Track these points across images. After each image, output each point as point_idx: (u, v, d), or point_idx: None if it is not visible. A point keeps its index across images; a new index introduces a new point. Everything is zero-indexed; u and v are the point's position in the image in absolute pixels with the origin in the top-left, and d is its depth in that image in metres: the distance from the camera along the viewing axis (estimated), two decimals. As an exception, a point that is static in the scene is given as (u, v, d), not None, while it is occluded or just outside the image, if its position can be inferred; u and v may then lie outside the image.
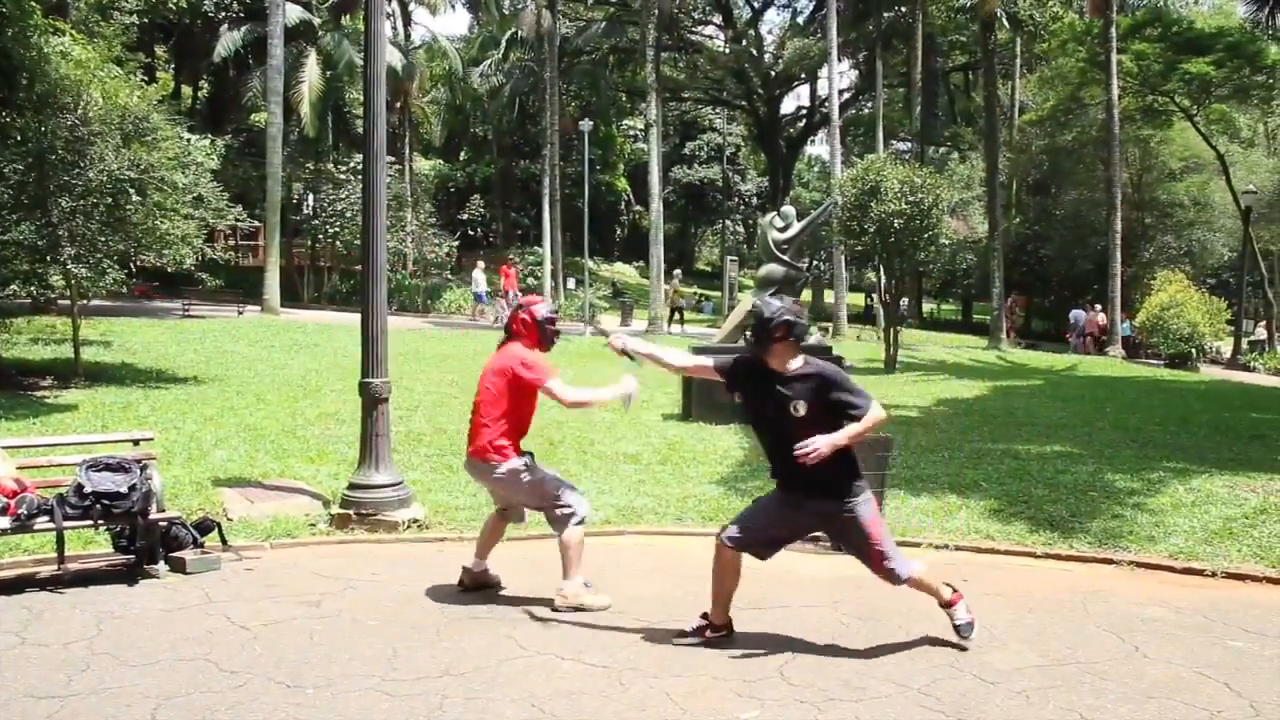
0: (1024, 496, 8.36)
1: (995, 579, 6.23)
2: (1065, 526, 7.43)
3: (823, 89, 46.41)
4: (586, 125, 33.73)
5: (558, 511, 5.49)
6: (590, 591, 5.54)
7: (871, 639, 5.06)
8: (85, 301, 14.38)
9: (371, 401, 7.29)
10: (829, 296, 36.70)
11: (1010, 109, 40.72)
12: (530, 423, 5.67)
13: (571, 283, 39.23)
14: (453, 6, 45.47)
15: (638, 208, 54.41)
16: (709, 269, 64.20)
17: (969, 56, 46.97)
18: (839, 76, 38.27)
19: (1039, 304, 45.94)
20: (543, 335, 5.69)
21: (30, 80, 12.52)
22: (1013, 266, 36.35)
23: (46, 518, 5.69)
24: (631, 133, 56.71)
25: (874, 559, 4.82)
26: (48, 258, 13.12)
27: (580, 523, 5.52)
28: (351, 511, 7.11)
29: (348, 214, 31.73)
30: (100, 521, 5.84)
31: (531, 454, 5.59)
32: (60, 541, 5.83)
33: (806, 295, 34.28)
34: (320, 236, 33.96)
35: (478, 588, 5.77)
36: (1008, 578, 6.26)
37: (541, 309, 5.73)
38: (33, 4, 12.53)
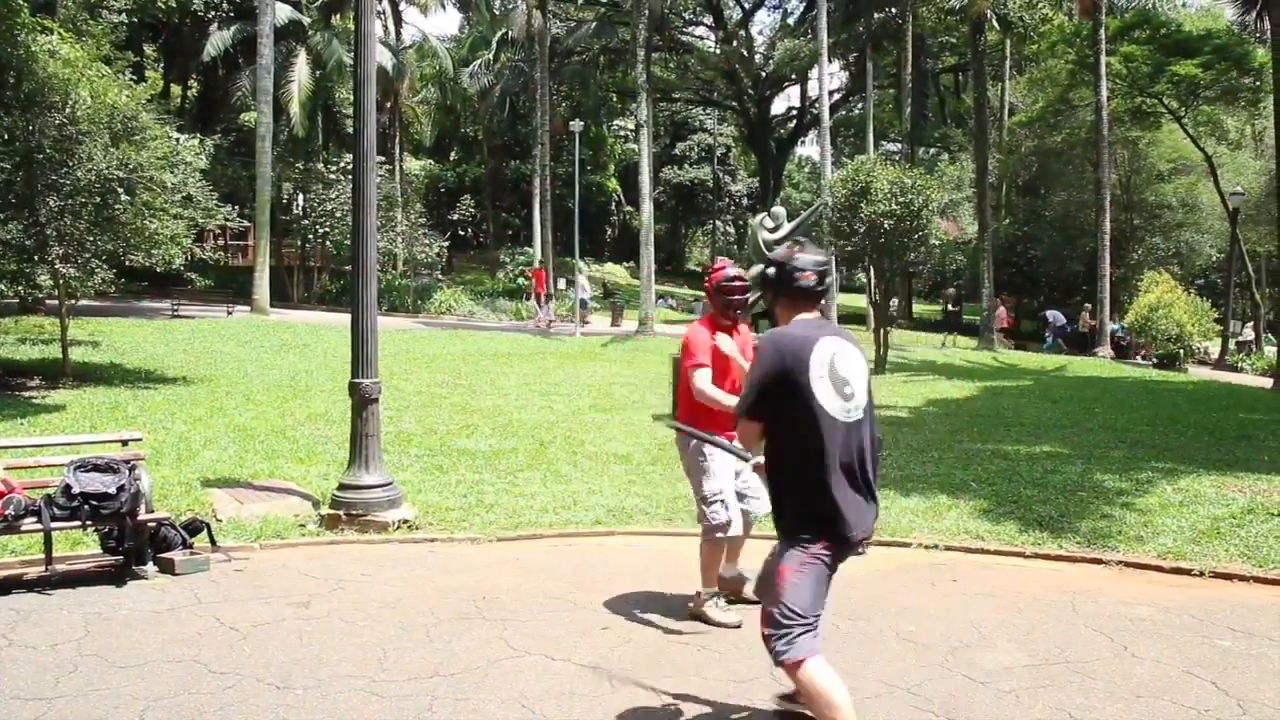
0: (1013, 497, 8.38)
1: (985, 579, 6.25)
2: (1054, 526, 7.46)
3: (813, 90, 46.67)
4: (577, 126, 33.70)
5: (702, 510, 5.25)
6: (720, 606, 5.27)
7: (862, 638, 5.07)
8: (73, 301, 14.32)
9: (361, 402, 7.27)
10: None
11: (1000, 110, 40.83)
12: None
13: (562, 283, 39.20)
14: (443, 6, 45.37)
15: (628, 208, 54.41)
16: (699, 269, 64.20)
17: (959, 58, 47.13)
18: (829, 77, 38.44)
19: (1028, 305, 46.09)
20: (720, 302, 5.38)
21: (18, 79, 12.47)
22: (1002, 267, 36.43)
23: (34, 519, 5.66)
24: (622, 133, 56.78)
25: (762, 617, 3.58)
26: (35, 257, 13.06)
27: (715, 531, 5.15)
28: (341, 512, 7.09)
29: (338, 214, 31.65)
30: (88, 522, 5.81)
31: (712, 435, 5.18)
32: (48, 542, 5.80)
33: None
34: (310, 236, 33.85)
35: (732, 594, 5.47)
36: (998, 577, 6.27)
37: (723, 272, 5.39)
38: (20, 2, 12.47)
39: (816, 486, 3.42)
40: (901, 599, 5.76)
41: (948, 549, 6.91)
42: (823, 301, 3.65)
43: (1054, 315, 33.56)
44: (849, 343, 3.56)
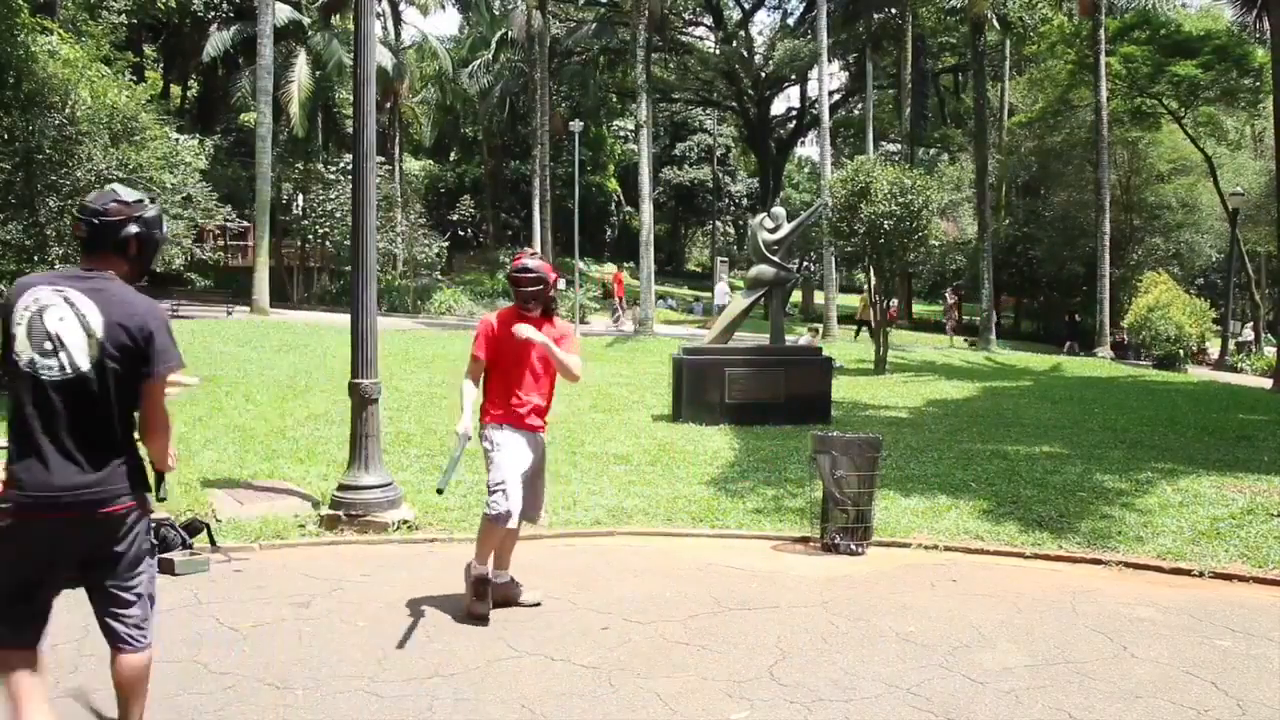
0: (1013, 497, 8.39)
1: (985, 579, 6.25)
2: (1054, 527, 7.46)
3: (813, 90, 46.67)
4: (577, 126, 33.74)
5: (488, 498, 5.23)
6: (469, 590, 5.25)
7: (861, 639, 5.07)
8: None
9: (361, 402, 7.27)
10: (820, 297, 36.76)
11: (1000, 111, 40.88)
12: (511, 388, 5.28)
13: (562, 283, 39.11)
14: (443, 7, 45.40)
15: (628, 208, 54.44)
16: (699, 269, 64.27)
17: (958, 58, 47.17)
18: (829, 78, 38.41)
19: (1028, 305, 46.11)
20: (514, 293, 5.34)
21: (17, 79, 12.46)
22: (1002, 268, 36.48)
23: (34, 519, 5.65)
24: (622, 134, 56.82)
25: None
26: (35, 257, 13.06)
27: (492, 518, 5.09)
28: (341, 513, 7.08)
29: (337, 214, 31.67)
30: (88, 522, 5.81)
31: (503, 425, 5.24)
32: (47, 543, 5.79)
33: (797, 296, 34.29)
34: (310, 237, 33.88)
35: (501, 603, 5.40)
36: (997, 578, 6.27)
37: (517, 263, 5.34)
38: (19, 2, 12.47)
39: (14, 444, 3.18)
40: (901, 599, 5.76)
41: (947, 549, 6.91)
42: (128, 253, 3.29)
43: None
44: (83, 298, 3.17)
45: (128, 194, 3.34)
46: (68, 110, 12.69)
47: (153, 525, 6.04)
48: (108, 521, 3.23)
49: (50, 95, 12.66)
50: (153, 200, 3.45)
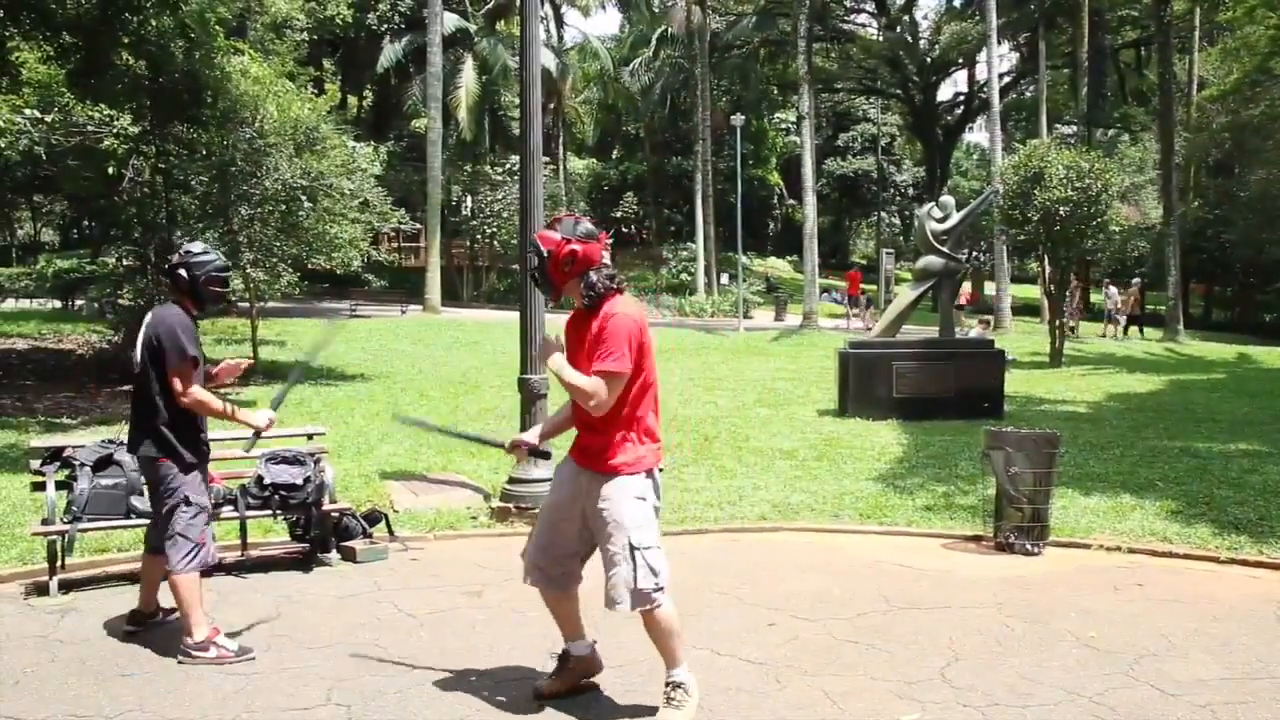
0: (1206, 497, 7.85)
1: (1174, 584, 5.88)
2: (1254, 530, 6.93)
3: (981, 73, 44.89)
4: (738, 120, 33.59)
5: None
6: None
7: (1039, 643, 4.85)
8: (262, 304, 15.25)
9: (530, 397, 7.45)
10: (991, 288, 35.46)
11: (1188, 85, 38.36)
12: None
13: (725, 278, 39.17)
14: (604, 7, 46.19)
15: (790, 201, 53.84)
16: (865, 262, 62.97)
17: (1140, 31, 44.50)
18: (999, 60, 36.95)
19: (1220, 293, 43.24)
20: None
21: (214, 98, 13.37)
22: (1190, 254, 34.26)
23: (231, 507, 6.07)
24: (783, 126, 56.19)
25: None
26: (230, 263, 13.98)
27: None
28: (511, 505, 7.29)
29: (504, 214, 32.57)
30: (278, 511, 6.20)
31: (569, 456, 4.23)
32: (243, 529, 6.20)
33: (966, 287, 33.14)
34: (478, 237, 34.97)
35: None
36: (1188, 583, 5.89)
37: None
38: (216, 27, 13.37)
39: None
40: (1081, 603, 5.49)
41: (1132, 551, 6.54)
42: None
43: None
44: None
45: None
46: (257, 124, 13.52)
47: (336, 515, 6.40)
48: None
49: (241, 111, 13.53)
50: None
